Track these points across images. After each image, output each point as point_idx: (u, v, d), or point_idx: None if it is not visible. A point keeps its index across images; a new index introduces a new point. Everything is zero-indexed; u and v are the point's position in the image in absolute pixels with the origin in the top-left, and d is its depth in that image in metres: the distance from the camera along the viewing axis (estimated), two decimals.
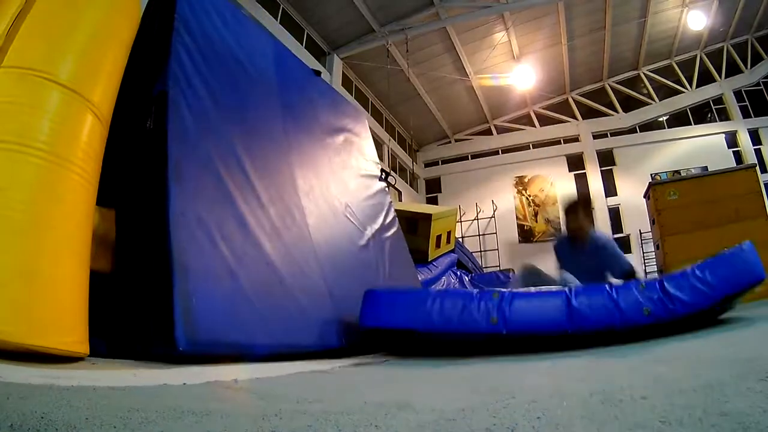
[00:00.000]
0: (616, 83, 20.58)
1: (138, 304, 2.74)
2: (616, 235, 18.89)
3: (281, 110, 4.58)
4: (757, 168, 6.66)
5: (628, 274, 4.38)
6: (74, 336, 2.09)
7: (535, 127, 21.45)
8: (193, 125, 3.23)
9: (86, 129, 2.44)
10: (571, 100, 21.05)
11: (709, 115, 19.79)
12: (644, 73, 20.35)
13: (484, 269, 15.27)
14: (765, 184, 7.23)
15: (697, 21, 17.06)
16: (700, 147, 18.91)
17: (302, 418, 1.20)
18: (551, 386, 1.55)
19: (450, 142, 22.37)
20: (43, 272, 2.01)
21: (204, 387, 1.82)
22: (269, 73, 4.68)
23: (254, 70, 4.44)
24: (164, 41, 3.41)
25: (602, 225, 19.12)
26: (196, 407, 1.28)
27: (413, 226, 8.31)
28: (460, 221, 17.93)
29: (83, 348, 2.15)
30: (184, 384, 1.81)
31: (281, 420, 1.18)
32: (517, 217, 20.43)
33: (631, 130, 20.22)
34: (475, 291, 3.49)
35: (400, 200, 17.27)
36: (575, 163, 20.52)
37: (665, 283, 3.21)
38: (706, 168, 16.80)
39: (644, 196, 7.49)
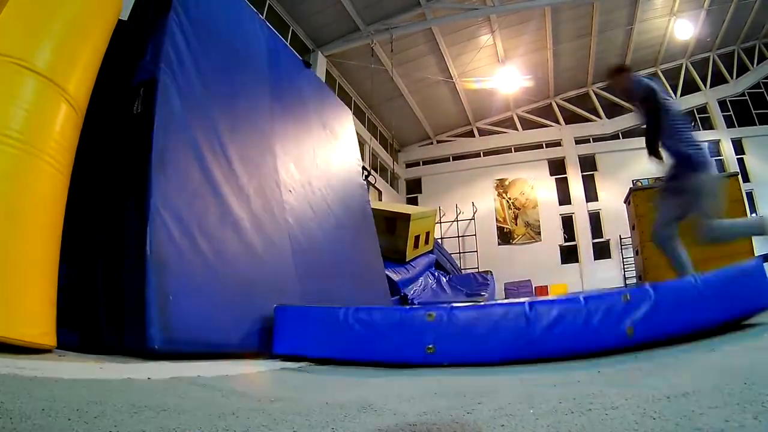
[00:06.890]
0: (600, 89, 20.77)
1: (112, 297, 2.69)
2: (596, 240, 19.08)
3: (270, 99, 4.55)
4: (740, 176, 6.73)
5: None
6: (41, 328, 2.07)
7: (518, 130, 21.64)
8: (181, 111, 3.16)
9: (60, 119, 2.41)
10: (554, 104, 21.25)
11: (693, 124, 20.06)
12: None
13: (462, 271, 15.33)
14: (746, 193, 7.31)
15: (685, 30, 17.33)
16: None
17: (258, 417, 1.20)
18: (522, 392, 1.52)
19: (432, 143, 22.48)
20: (10, 262, 1.98)
21: (167, 383, 1.80)
22: (261, 61, 4.64)
23: (247, 56, 4.40)
24: (159, 21, 3.32)
25: (582, 229, 19.29)
26: (155, 403, 1.27)
27: (392, 225, 8.28)
28: (440, 222, 18.00)
29: (49, 340, 2.13)
30: (149, 379, 1.80)
31: (237, 419, 1.17)
32: (496, 220, 20.57)
33: (614, 137, 20.47)
34: (406, 308, 2.98)
35: (380, 200, 17.28)
36: (557, 167, 20.73)
37: (658, 295, 2.57)
38: None
39: (625, 202, 7.53)
